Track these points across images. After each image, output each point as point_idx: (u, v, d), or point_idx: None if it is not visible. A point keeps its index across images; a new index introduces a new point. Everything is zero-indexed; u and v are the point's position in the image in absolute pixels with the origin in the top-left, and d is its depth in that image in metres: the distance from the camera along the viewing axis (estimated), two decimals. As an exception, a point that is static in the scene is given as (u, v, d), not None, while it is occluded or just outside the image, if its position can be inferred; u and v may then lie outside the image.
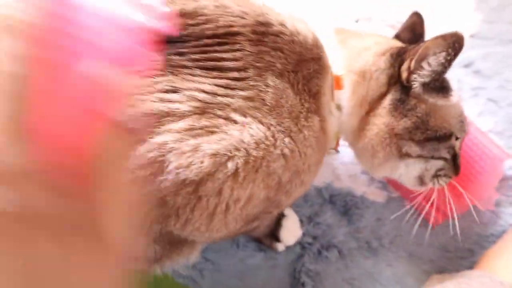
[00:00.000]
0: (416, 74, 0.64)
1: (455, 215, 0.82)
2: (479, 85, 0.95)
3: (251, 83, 0.57)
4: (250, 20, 0.59)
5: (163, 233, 0.59)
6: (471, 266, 0.81)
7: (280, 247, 0.84)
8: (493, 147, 0.83)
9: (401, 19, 0.99)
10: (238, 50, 0.57)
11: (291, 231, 0.84)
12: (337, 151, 0.76)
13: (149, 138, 0.51)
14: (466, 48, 0.98)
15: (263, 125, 0.56)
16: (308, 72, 0.62)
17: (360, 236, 0.84)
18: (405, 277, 0.82)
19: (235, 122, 0.55)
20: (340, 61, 0.67)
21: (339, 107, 0.67)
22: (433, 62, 0.63)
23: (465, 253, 0.82)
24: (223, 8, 0.59)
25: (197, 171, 0.52)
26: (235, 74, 0.56)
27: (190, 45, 0.56)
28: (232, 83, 0.56)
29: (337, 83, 0.66)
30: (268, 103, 0.57)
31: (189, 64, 0.55)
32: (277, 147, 0.57)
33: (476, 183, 0.80)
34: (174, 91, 0.53)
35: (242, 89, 0.56)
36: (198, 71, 0.55)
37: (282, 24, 0.61)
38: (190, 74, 0.55)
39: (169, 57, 0.55)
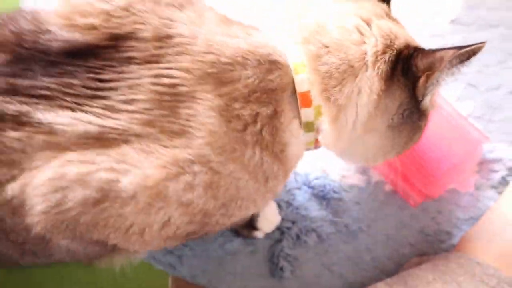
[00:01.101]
0: (430, 88, 0.60)
1: (434, 196, 0.82)
2: (458, 70, 0.95)
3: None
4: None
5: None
6: (449, 249, 0.81)
7: (259, 234, 0.83)
8: (472, 130, 0.83)
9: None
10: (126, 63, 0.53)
11: (269, 219, 0.82)
12: (318, 148, 0.66)
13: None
14: (446, 34, 0.99)
15: (167, 152, 0.52)
16: (239, 94, 0.54)
17: (338, 220, 0.83)
18: (384, 261, 0.81)
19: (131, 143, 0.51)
20: (304, 69, 0.57)
21: (308, 127, 0.59)
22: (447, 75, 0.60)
23: (444, 236, 0.82)
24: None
25: (95, 184, 0.50)
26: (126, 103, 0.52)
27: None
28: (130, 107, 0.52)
29: (304, 100, 0.57)
30: (165, 128, 0.52)
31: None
32: (188, 176, 0.52)
33: (455, 165, 0.80)
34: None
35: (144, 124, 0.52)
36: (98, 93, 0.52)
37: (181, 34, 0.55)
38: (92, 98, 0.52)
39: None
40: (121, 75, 0.53)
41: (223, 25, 0.58)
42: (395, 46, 0.58)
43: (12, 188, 0.51)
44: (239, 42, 0.56)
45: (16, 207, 0.52)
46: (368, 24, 0.60)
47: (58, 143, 0.50)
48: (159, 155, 0.51)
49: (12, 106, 0.50)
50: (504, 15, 1.00)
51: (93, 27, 0.54)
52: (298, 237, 0.82)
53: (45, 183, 0.50)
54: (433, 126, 0.69)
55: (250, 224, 0.81)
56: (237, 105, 0.54)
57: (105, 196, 0.51)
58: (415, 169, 0.79)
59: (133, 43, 0.54)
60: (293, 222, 0.83)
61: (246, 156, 0.55)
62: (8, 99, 0.50)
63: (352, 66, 0.56)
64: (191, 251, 0.83)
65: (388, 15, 0.64)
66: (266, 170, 0.58)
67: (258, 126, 0.55)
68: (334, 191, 0.84)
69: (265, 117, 0.55)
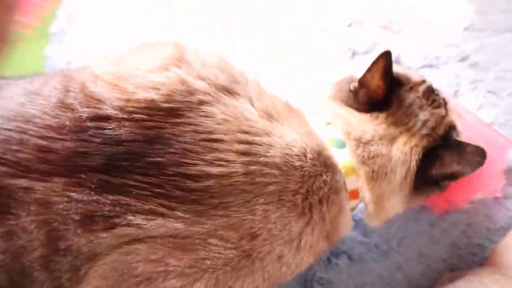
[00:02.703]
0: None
1: (462, 206, 0.82)
2: (477, 78, 0.94)
3: (234, 210, 0.50)
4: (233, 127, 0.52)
5: None
6: (482, 262, 0.81)
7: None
8: (497, 136, 0.82)
9: (393, 19, 1.00)
10: (223, 165, 0.50)
11: None
12: None
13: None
14: (461, 42, 0.99)
15: (245, 254, 0.52)
16: (321, 193, 0.56)
17: (368, 240, 0.84)
18: (417, 278, 0.81)
19: (214, 245, 0.50)
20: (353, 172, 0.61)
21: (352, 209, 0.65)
22: None
23: (476, 248, 0.82)
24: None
25: (162, 287, 0.50)
26: (216, 201, 0.50)
27: (164, 151, 0.50)
28: (212, 211, 0.50)
29: (353, 194, 0.62)
30: (258, 235, 0.52)
31: (165, 183, 0.49)
32: (256, 273, 0.54)
33: (481, 170, 0.79)
34: (148, 215, 0.49)
35: (223, 217, 0.50)
36: (174, 192, 0.49)
37: (267, 133, 0.54)
38: (166, 197, 0.49)
39: (141, 175, 0.49)
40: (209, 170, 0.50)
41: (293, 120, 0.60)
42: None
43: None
44: (309, 141, 0.57)
45: None
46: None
47: (138, 239, 0.49)
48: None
49: (106, 207, 0.48)
50: (518, 17, 0.99)
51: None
52: (329, 260, 0.83)
53: (114, 260, 0.50)
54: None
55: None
56: (316, 205, 0.56)
57: None
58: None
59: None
60: (323, 246, 0.84)
61: (318, 247, 0.59)
62: (101, 198, 0.48)
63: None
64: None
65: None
66: (321, 250, 0.61)
67: (325, 225, 0.58)
68: (362, 211, 0.85)
69: (331, 217, 0.58)
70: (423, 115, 0.65)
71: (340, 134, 0.62)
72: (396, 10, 1.01)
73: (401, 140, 0.63)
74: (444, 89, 0.75)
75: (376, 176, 0.61)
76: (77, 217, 0.48)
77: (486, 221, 0.83)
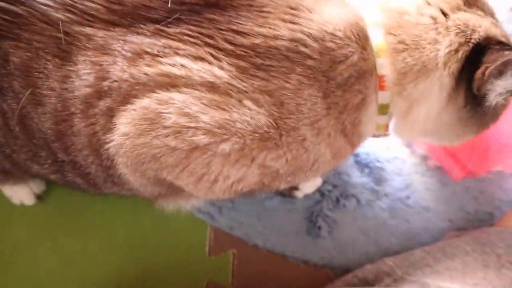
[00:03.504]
0: (488, 89, 0.57)
1: (478, 174, 0.82)
2: None
3: (273, 75, 0.51)
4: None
5: (158, 178, 0.59)
6: (489, 228, 0.81)
7: (299, 194, 0.85)
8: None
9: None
10: (271, 27, 0.51)
11: (311, 181, 0.85)
12: (387, 135, 0.66)
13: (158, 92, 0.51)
14: (505, 21, 0.99)
15: (274, 124, 0.53)
16: (342, 78, 0.54)
17: (379, 188, 0.84)
18: (421, 233, 0.82)
19: (248, 108, 0.51)
20: (385, 54, 0.57)
21: (383, 109, 0.59)
22: (507, 83, 0.56)
23: (485, 216, 0.82)
24: None
25: (189, 140, 0.51)
26: (259, 61, 0.51)
27: (220, 13, 0.52)
28: (254, 70, 0.51)
29: (382, 83, 0.57)
30: (286, 105, 0.52)
31: (216, 35, 0.51)
32: (281, 148, 0.55)
33: (504, 145, 0.80)
34: (195, 60, 0.51)
35: (262, 79, 0.51)
36: (223, 44, 0.51)
37: (309, 10, 0.54)
38: (215, 47, 0.51)
39: (195, 26, 0.51)
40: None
41: None
42: (472, 41, 0.57)
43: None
44: (346, 13, 0.56)
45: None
46: (447, 17, 0.58)
47: (176, 84, 0.51)
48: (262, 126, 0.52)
49: (156, 47, 0.50)
50: None
51: None
52: (338, 200, 0.83)
53: (145, 106, 0.51)
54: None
55: (292, 184, 0.84)
56: (338, 93, 0.55)
57: (202, 148, 0.52)
58: (463, 144, 0.79)
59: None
60: (334, 186, 0.84)
61: (335, 140, 0.58)
62: (154, 40, 0.50)
63: (425, 66, 0.57)
64: (231, 204, 0.86)
65: (469, 2, 0.61)
66: (343, 152, 0.61)
67: (345, 116, 0.56)
68: (378, 160, 0.85)
69: (352, 107, 0.57)
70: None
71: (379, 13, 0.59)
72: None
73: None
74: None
75: (409, 68, 0.56)
76: (128, 54, 0.50)
77: (499, 192, 0.84)
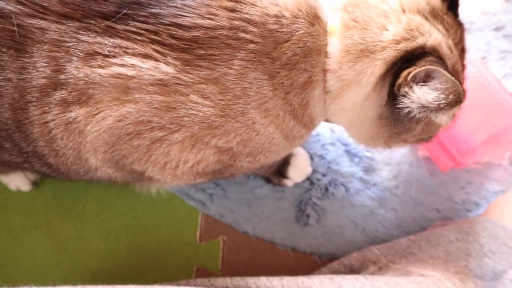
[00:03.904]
0: (407, 91, 0.56)
1: (467, 165, 0.83)
2: (507, 49, 0.94)
3: (217, 63, 0.53)
4: None
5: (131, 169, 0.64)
6: (476, 218, 0.82)
7: (289, 183, 0.86)
8: (514, 105, 0.82)
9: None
10: (212, 19, 0.53)
11: (300, 169, 0.85)
12: None
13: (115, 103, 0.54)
14: (499, 12, 0.98)
15: (221, 112, 0.55)
16: (287, 57, 0.54)
17: (368, 178, 0.85)
18: (408, 222, 0.83)
19: (194, 102, 0.54)
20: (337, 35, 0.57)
21: (327, 92, 0.59)
22: (425, 94, 0.55)
23: (472, 206, 0.83)
24: None
25: (148, 137, 0.57)
26: (202, 52, 0.53)
27: (166, 4, 0.53)
28: (198, 61, 0.53)
29: (329, 63, 0.57)
30: (231, 91, 0.54)
31: (161, 31, 0.52)
32: (230, 134, 0.57)
33: (493, 136, 0.80)
34: (143, 58, 0.52)
35: (206, 69, 0.53)
36: (167, 40, 0.52)
37: None
38: (160, 43, 0.52)
39: (141, 23, 0.52)
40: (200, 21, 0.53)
41: None
42: (416, 42, 0.56)
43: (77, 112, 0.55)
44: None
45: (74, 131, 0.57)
46: (404, 13, 0.58)
47: (129, 87, 0.53)
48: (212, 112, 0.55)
49: (107, 48, 0.52)
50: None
51: None
52: (326, 188, 0.84)
53: (109, 125, 0.55)
54: (477, 96, 0.70)
55: (281, 172, 0.85)
56: (282, 73, 0.55)
57: (159, 140, 0.57)
58: (451, 135, 0.80)
59: None
60: (324, 175, 0.85)
61: (284, 121, 0.59)
62: (104, 40, 0.52)
63: (367, 48, 0.56)
64: (222, 192, 0.87)
65: (435, 15, 0.60)
66: (296, 134, 0.62)
67: (292, 96, 0.57)
68: (367, 150, 0.86)
69: (298, 87, 0.57)
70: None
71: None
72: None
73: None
74: (471, 52, 0.75)
75: (353, 46, 0.56)
76: (81, 54, 0.52)
77: (487, 183, 0.84)
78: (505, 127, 0.82)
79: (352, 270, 0.76)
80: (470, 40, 0.94)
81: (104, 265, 0.87)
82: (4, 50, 0.52)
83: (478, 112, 0.80)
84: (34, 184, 0.91)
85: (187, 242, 0.87)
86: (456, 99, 0.54)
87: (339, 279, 0.65)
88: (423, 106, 0.56)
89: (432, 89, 0.54)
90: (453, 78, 0.53)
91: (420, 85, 0.54)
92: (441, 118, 0.61)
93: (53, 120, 0.55)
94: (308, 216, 0.82)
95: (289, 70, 0.55)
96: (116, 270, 0.87)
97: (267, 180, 0.87)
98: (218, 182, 0.88)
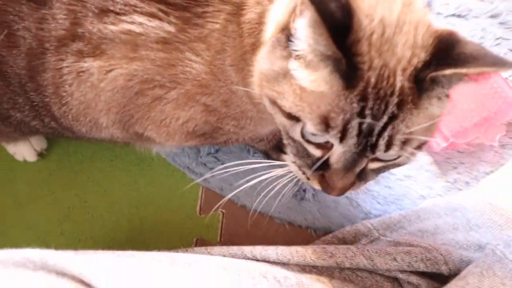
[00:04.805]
0: (292, 27, 0.48)
1: (459, 146, 0.85)
2: (502, 36, 0.97)
3: (208, 20, 0.56)
4: None
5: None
6: (466, 196, 0.85)
7: (288, 158, 0.89)
8: (508, 90, 0.85)
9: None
10: None
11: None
12: None
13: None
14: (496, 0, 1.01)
15: (208, 69, 0.58)
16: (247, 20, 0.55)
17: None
18: (401, 199, 0.86)
19: (189, 60, 0.57)
20: None
21: None
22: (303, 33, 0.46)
23: (463, 185, 0.86)
24: None
25: (150, 95, 0.61)
26: (200, 10, 0.55)
27: None
28: (195, 19, 0.56)
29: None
30: (213, 47, 0.57)
31: None
32: (215, 92, 0.61)
33: (485, 119, 0.83)
34: (150, 17, 0.56)
35: (200, 27, 0.56)
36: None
37: None
38: (165, 3, 0.55)
39: None
40: None
41: None
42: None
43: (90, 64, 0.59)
44: None
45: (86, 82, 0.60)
46: None
47: (137, 43, 0.57)
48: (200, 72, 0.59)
49: (118, 6, 0.56)
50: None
51: None
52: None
53: (121, 85, 0.60)
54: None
55: (280, 148, 0.88)
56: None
57: (159, 98, 0.62)
58: (445, 116, 0.82)
59: None
60: (320, 152, 0.88)
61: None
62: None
63: None
64: (222, 166, 0.90)
65: None
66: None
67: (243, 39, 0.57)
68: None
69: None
70: None
71: None
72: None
73: None
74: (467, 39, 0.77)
75: None
76: (96, 11, 0.55)
77: (478, 164, 0.87)
78: (497, 110, 0.85)
79: (345, 243, 0.79)
80: (466, 27, 0.98)
81: (106, 234, 0.90)
82: (24, 2, 0.55)
83: (471, 95, 0.83)
84: (40, 155, 0.93)
85: (188, 214, 0.90)
86: None
87: (332, 248, 0.68)
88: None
89: None
90: None
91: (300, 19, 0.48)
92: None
93: (67, 66, 0.59)
94: (304, 191, 0.85)
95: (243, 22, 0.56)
96: (118, 240, 0.90)
97: (267, 155, 0.90)
98: (218, 156, 0.91)
